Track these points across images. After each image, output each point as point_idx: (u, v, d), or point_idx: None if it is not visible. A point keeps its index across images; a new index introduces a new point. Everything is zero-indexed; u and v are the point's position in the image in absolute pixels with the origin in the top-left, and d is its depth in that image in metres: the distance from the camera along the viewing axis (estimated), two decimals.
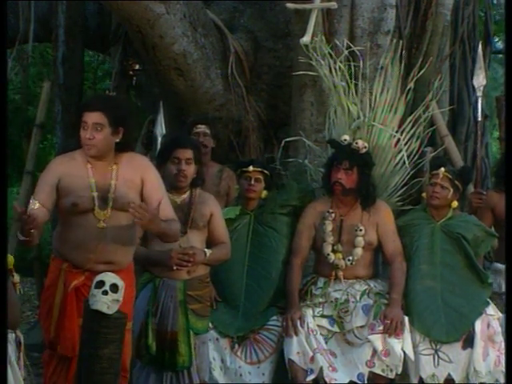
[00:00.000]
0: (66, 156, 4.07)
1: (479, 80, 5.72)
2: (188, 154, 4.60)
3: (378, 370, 4.71)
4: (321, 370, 4.70)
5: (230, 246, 4.74)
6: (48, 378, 4.01)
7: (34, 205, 3.83)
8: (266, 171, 5.15)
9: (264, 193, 5.14)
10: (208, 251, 4.57)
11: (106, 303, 3.59)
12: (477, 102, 5.78)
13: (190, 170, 4.61)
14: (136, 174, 4.04)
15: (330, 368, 4.73)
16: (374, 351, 4.69)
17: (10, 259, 3.70)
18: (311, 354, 4.72)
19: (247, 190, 5.11)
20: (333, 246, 4.94)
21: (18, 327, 3.64)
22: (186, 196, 4.66)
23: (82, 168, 3.96)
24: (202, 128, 5.63)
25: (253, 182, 5.09)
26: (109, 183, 3.95)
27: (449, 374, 4.77)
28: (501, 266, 5.20)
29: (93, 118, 3.91)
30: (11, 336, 3.54)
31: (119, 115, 3.98)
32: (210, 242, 4.68)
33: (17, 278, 3.77)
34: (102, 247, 3.93)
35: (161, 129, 5.66)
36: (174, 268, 4.46)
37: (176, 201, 4.61)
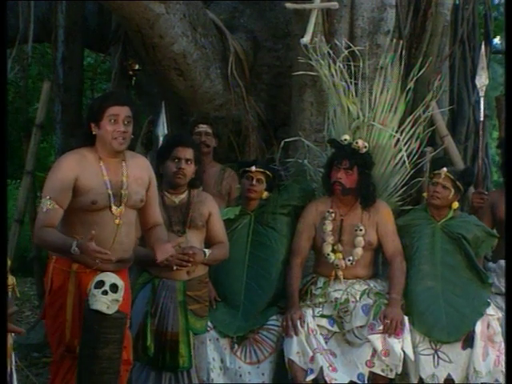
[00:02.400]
0: (75, 153, 4.00)
1: (481, 80, 5.70)
2: (189, 153, 4.60)
3: (377, 370, 4.70)
4: (321, 369, 4.69)
5: (228, 246, 4.75)
6: (60, 379, 3.97)
7: (52, 205, 3.83)
8: (268, 172, 5.15)
9: (265, 193, 5.14)
10: (207, 251, 4.57)
11: (105, 303, 3.60)
12: (477, 102, 5.76)
13: (190, 169, 4.61)
14: (144, 173, 4.10)
15: (330, 368, 4.72)
16: (374, 351, 4.69)
17: None
18: (311, 353, 4.71)
19: (249, 190, 5.10)
20: (333, 245, 4.94)
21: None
22: (184, 196, 4.66)
23: (95, 166, 3.96)
24: (203, 127, 5.63)
25: (254, 183, 5.09)
26: (121, 180, 3.98)
27: (449, 374, 4.76)
28: (492, 265, 5.23)
29: (125, 111, 3.95)
30: None
31: (135, 110, 4.06)
32: (209, 242, 4.69)
33: (12, 279, 3.74)
34: (117, 244, 3.94)
35: (163, 129, 5.66)
36: (174, 268, 4.45)
37: (174, 201, 4.62)
